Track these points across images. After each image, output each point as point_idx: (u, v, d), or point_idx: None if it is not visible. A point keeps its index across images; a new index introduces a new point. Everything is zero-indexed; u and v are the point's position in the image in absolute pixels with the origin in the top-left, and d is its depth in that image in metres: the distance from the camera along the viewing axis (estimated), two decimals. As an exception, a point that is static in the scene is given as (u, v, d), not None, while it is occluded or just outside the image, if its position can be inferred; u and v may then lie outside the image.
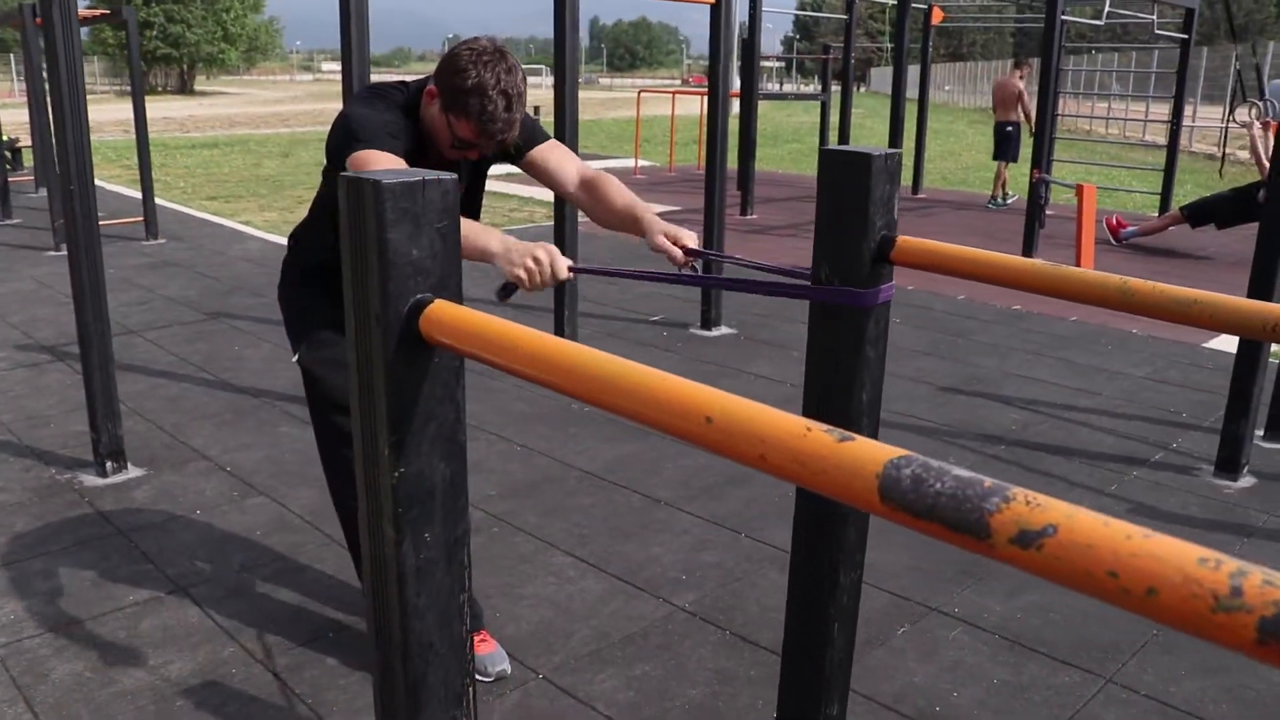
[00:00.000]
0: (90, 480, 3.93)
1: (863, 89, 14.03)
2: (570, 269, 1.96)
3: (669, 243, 2.23)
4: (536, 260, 1.91)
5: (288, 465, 4.08)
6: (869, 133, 24.29)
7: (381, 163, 2.17)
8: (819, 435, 0.69)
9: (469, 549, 1.13)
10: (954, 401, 5.16)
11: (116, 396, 4.03)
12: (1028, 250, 9.32)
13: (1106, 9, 10.01)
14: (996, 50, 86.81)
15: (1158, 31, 11.70)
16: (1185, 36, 11.69)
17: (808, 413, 1.69)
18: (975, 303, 7.38)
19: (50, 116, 3.80)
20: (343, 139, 2.25)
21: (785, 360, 5.73)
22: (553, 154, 2.52)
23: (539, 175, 2.54)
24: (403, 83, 2.45)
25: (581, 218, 3.83)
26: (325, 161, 2.52)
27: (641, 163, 16.58)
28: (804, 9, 61.68)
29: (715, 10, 5.90)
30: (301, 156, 17.73)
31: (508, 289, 2.00)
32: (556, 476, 4.03)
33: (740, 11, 6.48)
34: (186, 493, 3.81)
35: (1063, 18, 9.23)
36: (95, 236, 3.92)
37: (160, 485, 3.88)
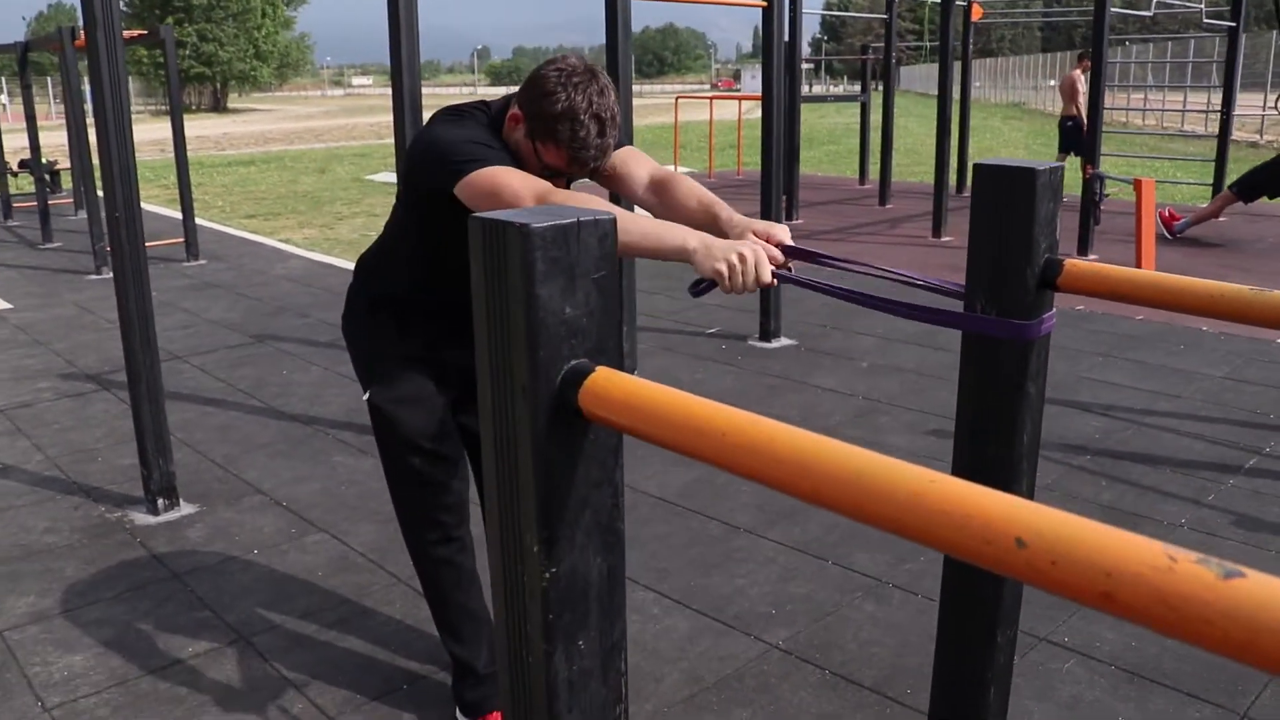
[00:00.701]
0: (141, 519, 3.79)
1: (879, 87, 13.81)
2: (776, 275, 1.75)
3: (761, 241, 1.97)
4: (741, 258, 1.72)
5: (346, 499, 3.92)
6: (906, 132, 23.96)
7: (514, 179, 1.98)
8: (1192, 568, 0.50)
9: (625, 653, 0.95)
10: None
11: (167, 430, 3.89)
12: (1083, 248, 9.05)
13: (1157, -2, 9.73)
14: (1025, 45, 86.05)
15: (1206, 21, 11.38)
16: (1234, 24, 11.37)
17: (958, 459, 1.50)
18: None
19: (93, 140, 3.67)
20: (441, 163, 2.06)
21: (850, 371, 5.52)
22: (628, 159, 2.31)
23: (610, 183, 2.33)
24: (483, 102, 2.26)
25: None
26: (401, 188, 2.39)
27: (681, 169, 16.40)
28: (830, 9, 61.29)
29: (767, 13, 5.71)
30: (337, 172, 17.68)
31: (702, 285, 1.82)
32: (627, 504, 3.84)
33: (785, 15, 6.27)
34: (243, 530, 3.66)
35: (1112, 9, 8.96)
36: (143, 263, 3.78)
37: (215, 523, 3.73)
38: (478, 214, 0.85)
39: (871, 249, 9.56)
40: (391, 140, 27.16)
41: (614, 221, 0.84)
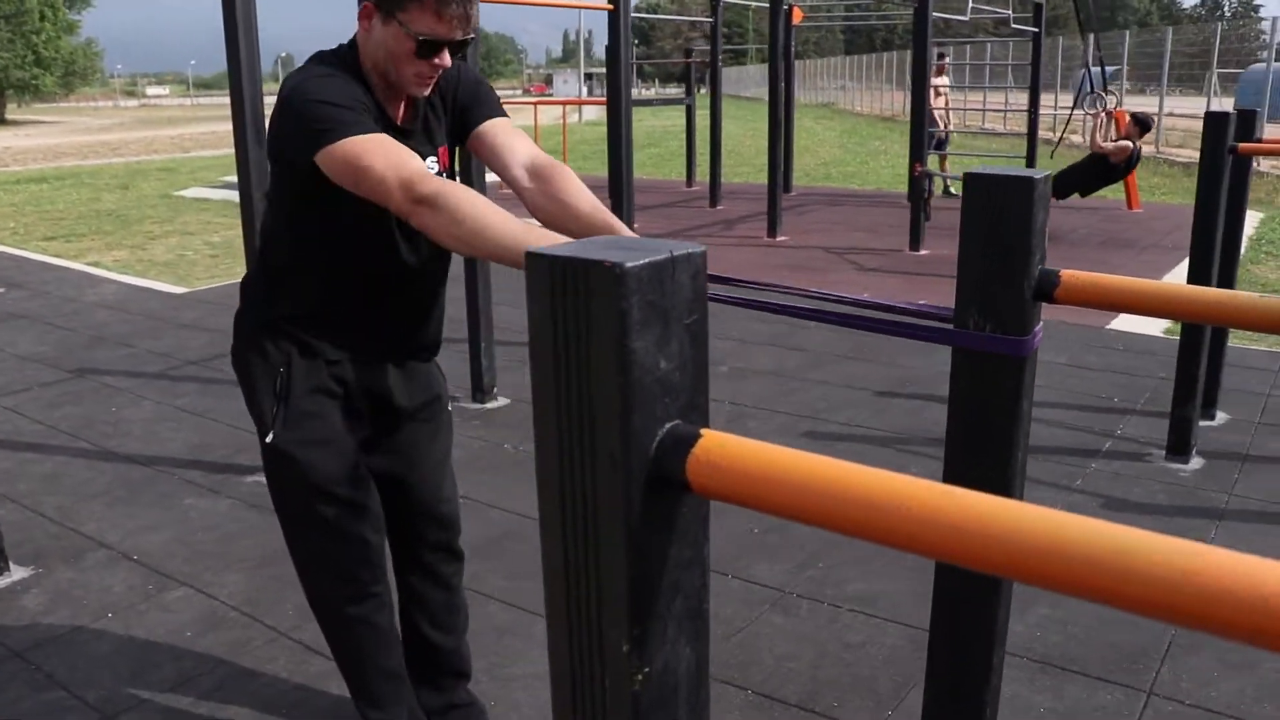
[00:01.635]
0: (-33, 586, 3.39)
1: (702, 90, 14.05)
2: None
3: None
4: None
5: (204, 546, 3.60)
6: (727, 135, 24.35)
7: (383, 150, 1.79)
8: None
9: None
10: (893, 406, 5.00)
11: (-7, 484, 3.50)
12: (915, 242, 9.31)
13: (970, 4, 10.12)
14: (829, 47, 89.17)
15: (1014, 26, 11.94)
16: (1036, 30, 11.97)
17: (950, 477, 1.42)
18: (881, 301, 7.28)
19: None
20: (309, 128, 1.84)
21: (711, 376, 5.47)
22: (503, 130, 2.12)
23: (486, 155, 2.12)
24: (322, 56, 2.03)
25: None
26: (273, 170, 2.07)
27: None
28: (638, 12, 61.88)
29: (614, 15, 5.62)
30: (143, 188, 16.67)
31: None
32: (517, 531, 3.66)
33: (589, 19, 6.15)
34: (90, 592, 3.29)
35: (934, 14, 9.27)
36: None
37: (55, 586, 3.35)
38: (540, 250, 0.70)
39: (712, 251, 9.54)
40: (200, 153, 25.76)
41: (705, 254, 0.71)
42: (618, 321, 0.66)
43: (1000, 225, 1.28)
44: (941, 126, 12.97)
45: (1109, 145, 9.70)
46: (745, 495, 0.67)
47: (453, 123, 2.14)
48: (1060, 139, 13.78)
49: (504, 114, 2.16)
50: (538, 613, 3.11)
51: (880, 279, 8.07)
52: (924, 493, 0.61)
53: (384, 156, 1.79)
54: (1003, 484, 1.37)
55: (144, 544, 3.63)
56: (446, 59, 1.95)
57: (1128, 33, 27.61)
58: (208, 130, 37.64)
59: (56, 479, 4.28)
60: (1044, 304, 1.33)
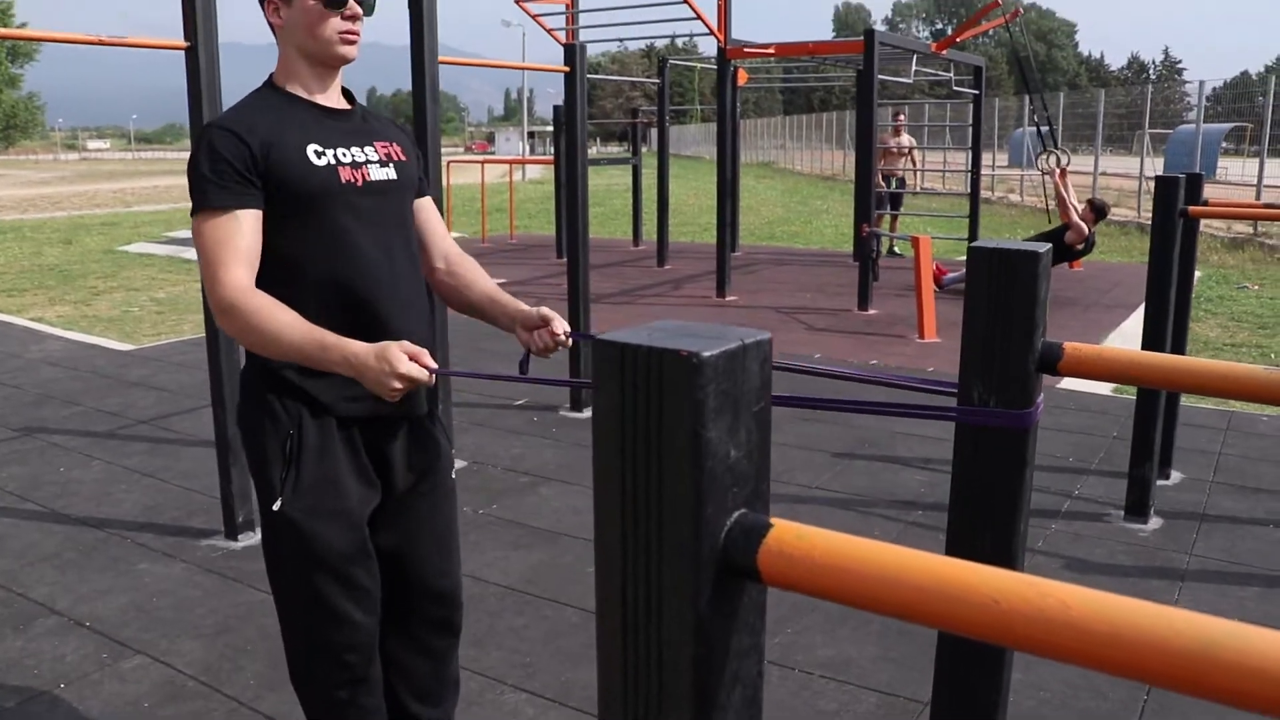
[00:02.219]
0: (-89, 654, 3.27)
1: (645, 149, 14.27)
2: (435, 372, 1.87)
3: (529, 335, 2.15)
4: (400, 377, 1.82)
5: (160, 612, 3.51)
6: (672, 195, 24.60)
7: (218, 240, 1.94)
8: None
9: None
10: (853, 468, 5.03)
11: (-59, 550, 3.38)
12: (863, 302, 9.43)
13: (914, 68, 10.37)
14: (768, 107, 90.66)
15: (955, 88, 12.23)
16: (976, 92, 12.27)
17: (954, 547, 1.42)
18: (833, 360, 7.35)
19: None
20: (191, 188, 1.99)
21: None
22: (431, 214, 2.32)
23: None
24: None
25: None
26: None
27: (454, 234, 16.17)
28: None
29: (570, 77, 5.68)
30: (86, 242, 16.42)
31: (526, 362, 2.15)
32: (473, 594, 3.61)
33: (532, 77, 6.19)
34: (41, 661, 3.18)
35: (880, 76, 9.48)
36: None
37: (4, 656, 3.23)
38: (610, 338, 0.70)
39: (660, 310, 9.65)
40: (143, 208, 25.44)
41: (771, 340, 0.71)
42: (693, 411, 0.66)
43: (1004, 298, 1.30)
44: (885, 187, 13.14)
45: (1075, 218, 9.64)
46: (817, 586, 0.67)
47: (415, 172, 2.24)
48: (1050, 208, 13.92)
49: (429, 193, 2.35)
50: (504, 680, 3.06)
51: (830, 339, 8.16)
52: (1008, 583, 0.61)
53: (214, 248, 1.94)
54: (1006, 554, 1.38)
55: (97, 610, 3.53)
56: (356, 9, 2.04)
57: (1061, 94, 28.43)
58: (150, 185, 37.29)
59: (3, 541, 4.15)
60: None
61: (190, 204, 1.99)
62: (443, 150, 6.00)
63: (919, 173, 13.85)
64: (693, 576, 0.68)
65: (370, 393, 1.94)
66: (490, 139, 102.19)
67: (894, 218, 13.74)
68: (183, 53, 3.76)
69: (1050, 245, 1.40)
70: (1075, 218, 9.67)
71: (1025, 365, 1.30)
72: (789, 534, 0.69)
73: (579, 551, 3.99)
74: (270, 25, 2.07)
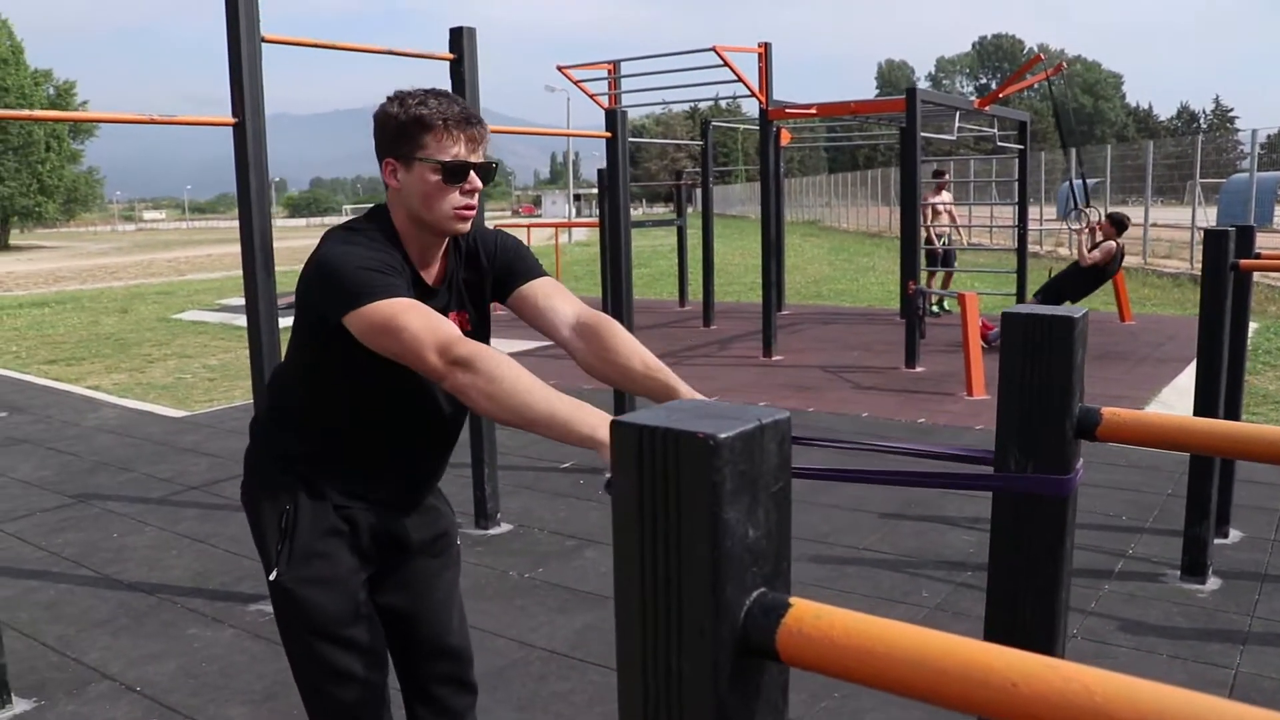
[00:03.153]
0: (-33, 722, 3.32)
1: (690, 210, 14.37)
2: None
3: None
4: None
5: (207, 677, 3.54)
6: (717, 255, 24.74)
7: (417, 314, 1.81)
8: None
9: None
10: (900, 529, 4.97)
11: (-3, 617, 3.45)
12: (910, 360, 9.38)
13: (957, 124, 10.39)
14: (813, 166, 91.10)
15: (1000, 144, 12.23)
16: (1021, 147, 12.26)
17: (992, 621, 1.41)
18: (881, 419, 7.30)
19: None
20: (333, 289, 1.87)
21: (718, 498, 5.45)
22: (545, 288, 2.14)
23: (531, 316, 2.13)
24: (369, 212, 2.10)
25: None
26: (301, 319, 2.07)
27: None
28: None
29: (611, 142, 5.76)
30: (141, 311, 16.80)
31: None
32: (519, 659, 3.61)
33: (577, 140, 6.33)
34: (93, 726, 3.24)
35: (923, 134, 9.50)
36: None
37: None
38: (627, 420, 0.71)
39: (709, 371, 9.66)
40: (196, 276, 26.03)
41: (790, 419, 0.72)
42: (710, 492, 0.67)
43: (1040, 364, 1.30)
44: (937, 243, 13.10)
45: (1096, 255, 9.96)
46: (838, 667, 0.67)
47: (492, 282, 2.19)
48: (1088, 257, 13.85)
49: (545, 273, 2.19)
50: (552, 746, 3.04)
51: (877, 397, 8.10)
52: (1029, 666, 0.61)
53: (419, 319, 1.80)
54: (1048, 623, 1.36)
55: (147, 675, 3.57)
56: (476, 182, 2.00)
57: (1109, 146, 28.29)
58: (203, 253, 38.14)
59: (58, 607, 4.22)
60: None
61: (333, 311, 1.89)
62: (489, 214, 6.08)
63: (957, 229, 13.74)
64: (712, 657, 0.69)
65: (371, 496, 2.09)
66: (537, 202, 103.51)
67: (947, 275, 13.63)
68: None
69: (1085, 311, 1.39)
70: (1096, 255, 9.96)
71: (1063, 431, 1.29)
72: (808, 614, 0.69)
73: (624, 615, 3.98)
74: (385, 184, 2.05)
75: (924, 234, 13.43)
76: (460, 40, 4.80)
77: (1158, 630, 3.79)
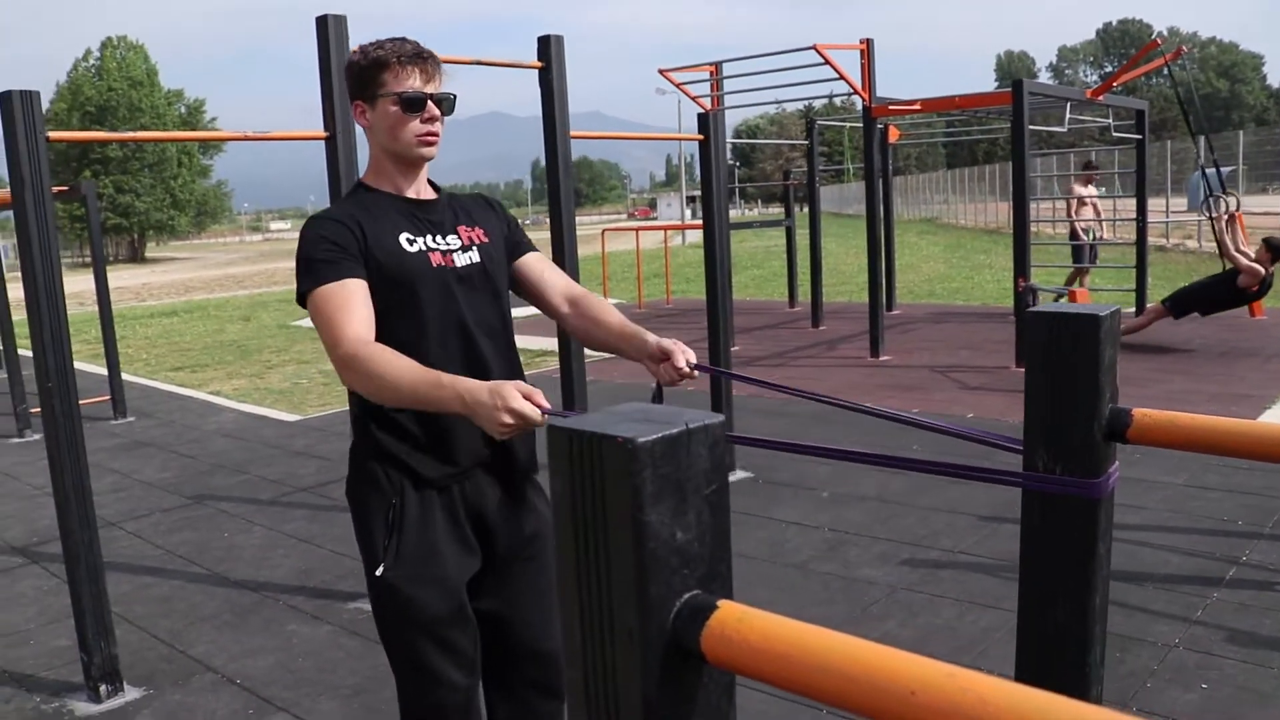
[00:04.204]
0: (83, 708, 3.50)
1: (803, 210, 14.28)
2: (547, 412, 1.82)
3: (678, 352, 2.20)
4: (512, 412, 1.78)
5: (303, 671, 3.67)
6: (826, 252, 24.49)
7: (334, 306, 2.03)
8: None
9: None
10: (1000, 531, 4.85)
11: (109, 611, 3.62)
12: (1020, 359, 9.15)
13: (1067, 115, 10.09)
14: (931, 162, 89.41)
15: (1115, 134, 11.83)
16: (1140, 137, 11.84)
17: (1024, 625, 1.38)
18: (985, 419, 7.13)
19: (14, 298, 3.50)
20: (300, 273, 2.11)
21: (812, 502, 5.41)
22: (539, 264, 2.40)
23: (525, 288, 2.38)
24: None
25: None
26: None
27: (611, 300, 16.45)
28: (739, 136, 63.21)
29: (704, 145, 5.76)
30: (263, 319, 17.42)
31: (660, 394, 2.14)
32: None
33: (690, 145, 6.35)
34: (196, 714, 3.38)
35: (1030, 126, 9.26)
36: (78, 434, 3.58)
37: (163, 708, 3.45)
38: (561, 424, 0.73)
39: (814, 372, 9.57)
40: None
41: (724, 424, 0.73)
42: (631, 495, 0.68)
43: (1066, 364, 1.27)
44: (1084, 237, 12.72)
45: (1242, 262, 9.22)
46: (755, 669, 0.67)
47: (505, 242, 2.34)
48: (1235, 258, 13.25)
49: (535, 249, 2.42)
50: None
51: (984, 397, 7.92)
52: (934, 677, 0.60)
53: (333, 314, 2.03)
54: (1081, 629, 1.32)
55: (248, 668, 3.71)
56: (434, 110, 2.15)
57: (1241, 132, 27.07)
58: (328, 260, 39.20)
59: (170, 602, 4.42)
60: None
61: (299, 291, 2.11)
62: (605, 216, 6.12)
63: (1100, 223, 13.25)
64: (641, 657, 0.70)
65: (469, 455, 2.08)
66: (653, 205, 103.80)
67: (1082, 273, 13.15)
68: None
69: (1118, 308, 1.35)
70: (1243, 262, 9.18)
71: (1091, 433, 1.26)
72: (732, 616, 0.69)
73: (711, 617, 3.98)
74: (360, 127, 2.21)
75: (1070, 228, 13.09)
76: (548, 48, 4.87)
77: (1270, 643, 3.61)
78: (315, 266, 2.06)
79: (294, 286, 2.14)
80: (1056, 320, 1.27)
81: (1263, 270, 9.17)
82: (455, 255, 2.19)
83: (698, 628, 0.70)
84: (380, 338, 2.12)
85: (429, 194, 2.26)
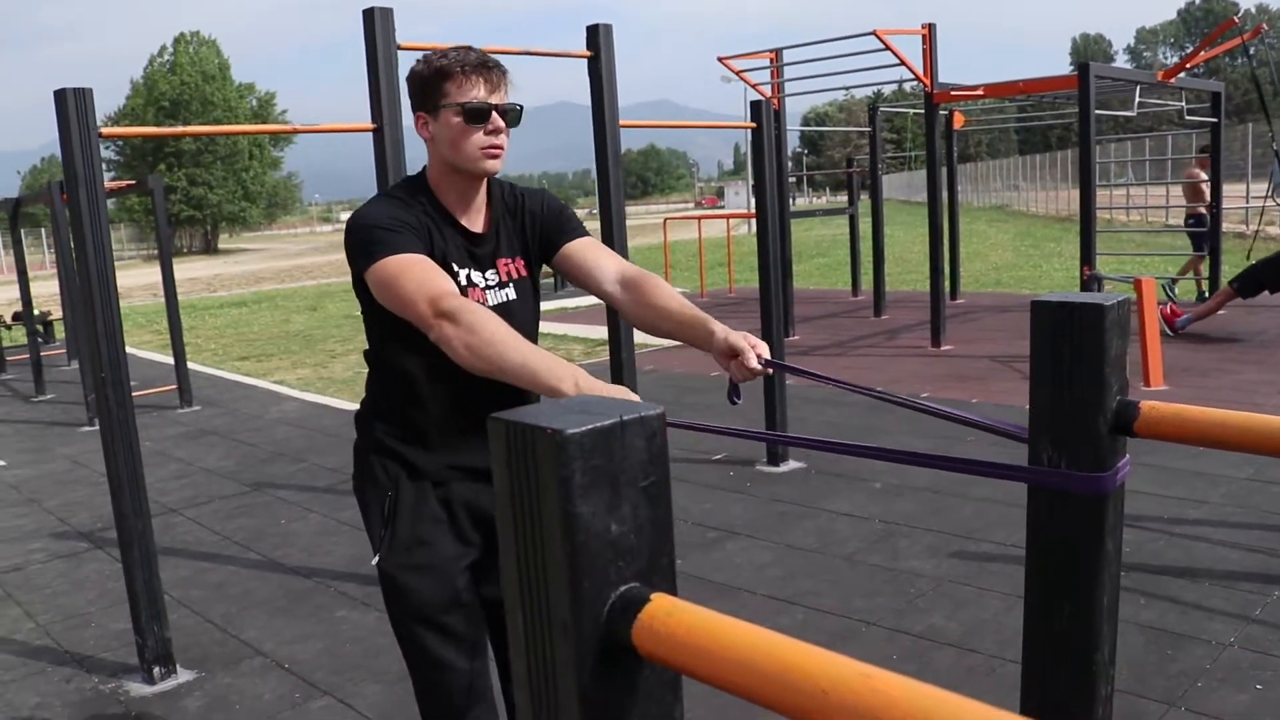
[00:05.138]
0: (137, 689, 3.60)
1: (865, 197, 14.13)
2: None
3: (747, 349, 2.06)
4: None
5: (349, 657, 3.72)
6: (891, 240, 24.20)
7: (414, 269, 1.93)
8: None
9: None
10: (1054, 524, 4.76)
11: (162, 596, 3.71)
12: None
13: (1137, 99, 9.85)
14: (1003, 149, 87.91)
15: (1188, 117, 11.53)
16: (1215, 120, 11.52)
17: (1030, 621, 1.35)
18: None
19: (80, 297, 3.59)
20: (358, 248, 2.02)
21: (864, 493, 5.36)
22: (590, 249, 2.27)
23: (574, 274, 2.26)
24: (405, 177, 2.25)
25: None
26: (354, 286, 2.19)
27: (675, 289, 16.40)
28: (807, 123, 62.69)
29: (756, 133, 5.72)
30: (329, 309, 17.70)
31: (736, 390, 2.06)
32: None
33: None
34: (243, 698, 3.46)
35: (1096, 111, 9.06)
36: (131, 424, 3.67)
37: (214, 691, 3.53)
38: (497, 415, 0.73)
39: (872, 362, 9.47)
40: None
41: (663, 415, 0.72)
42: (561, 488, 0.68)
43: (1070, 355, 1.23)
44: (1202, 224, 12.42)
45: None
46: (684, 665, 0.67)
47: (538, 240, 2.27)
48: (1256, 233, 12.92)
49: (586, 233, 2.29)
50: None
51: (1047, 387, 7.77)
52: (848, 677, 0.59)
53: (415, 275, 1.92)
54: (1087, 627, 1.29)
55: (296, 653, 3.78)
56: (499, 122, 2.09)
57: (1324, 117, 26.18)
58: (395, 250, 39.70)
59: (224, 587, 4.51)
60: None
61: (357, 267, 2.02)
62: (672, 205, 6.09)
63: (1208, 209, 12.87)
64: (575, 650, 0.69)
65: (460, 459, 2.15)
66: (720, 193, 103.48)
67: (1199, 260, 12.74)
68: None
69: (1128, 298, 1.31)
70: None
71: (1096, 427, 1.23)
72: (661, 610, 0.69)
73: (756, 607, 3.96)
74: (419, 134, 2.16)
75: (1191, 214, 12.77)
76: (596, 37, 4.87)
77: (1327, 641, 3.52)
78: (381, 236, 1.99)
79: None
80: (1061, 310, 1.24)
81: None
82: (490, 293, 2.17)
83: (629, 621, 0.69)
84: (390, 355, 2.18)
85: (479, 224, 2.19)
